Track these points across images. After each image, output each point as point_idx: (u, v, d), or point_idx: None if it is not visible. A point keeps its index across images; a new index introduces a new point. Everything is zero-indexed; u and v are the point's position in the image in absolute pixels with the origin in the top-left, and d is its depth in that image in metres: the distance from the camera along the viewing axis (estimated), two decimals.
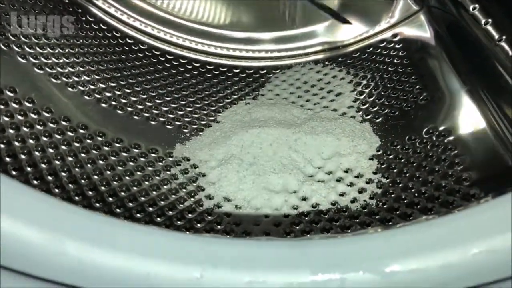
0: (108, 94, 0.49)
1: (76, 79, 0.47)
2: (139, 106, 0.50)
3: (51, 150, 0.39)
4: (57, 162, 0.39)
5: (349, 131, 0.47)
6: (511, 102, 0.39)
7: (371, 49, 0.59)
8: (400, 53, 0.56)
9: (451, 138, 0.43)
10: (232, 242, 0.23)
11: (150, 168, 0.44)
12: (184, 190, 0.43)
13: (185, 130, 0.50)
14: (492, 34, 0.43)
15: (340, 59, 0.60)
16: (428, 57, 0.54)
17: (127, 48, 0.56)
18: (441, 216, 0.25)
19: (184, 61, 0.59)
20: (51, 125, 0.42)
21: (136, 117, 0.49)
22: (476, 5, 0.46)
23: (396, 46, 0.57)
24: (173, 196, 0.42)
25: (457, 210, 0.34)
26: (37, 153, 0.38)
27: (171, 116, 0.51)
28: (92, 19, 0.56)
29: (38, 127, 0.40)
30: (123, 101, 0.49)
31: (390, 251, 0.23)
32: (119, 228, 0.23)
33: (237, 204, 0.42)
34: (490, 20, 0.44)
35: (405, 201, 0.40)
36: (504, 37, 0.42)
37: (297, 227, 0.40)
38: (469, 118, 0.44)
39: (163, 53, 0.59)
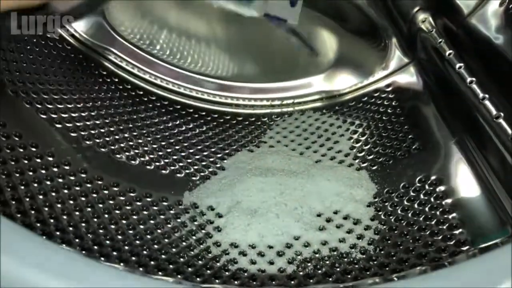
0: (121, 145, 0.52)
1: (92, 132, 0.51)
2: (151, 156, 0.53)
3: (71, 202, 0.42)
4: (76, 213, 0.42)
5: (347, 179, 0.50)
6: (496, 155, 0.43)
7: (366, 98, 0.63)
8: (393, 103, 0.60)
9: (442, 187, 0.46)
10: None
11: (161, 217, 0.47)
12: (193, 237, 0.46)
13: (193, 178, 0.53)
14: (477, 92, 0.47)
15: (337, 107, 0.64)
16: (420, 107, 0.58)
17: (137, 99, 0.60)
18: (432, 269, 0.28)
19: (191, 110, 0.63)
20: (70, 177, 0.45)
21: (147, 167, 0.52)
22: (462, 64, 0.50)
23: (390, 96, 0.61)
24: (183, 243, 0.45)
25: (447, 262, 0.37)
26: (58, 206, 0.41)
27: (180, 164, 0.54)
28: (104, 72, 0.60)
29: (59, 180, 0.43)
30: (136, 151, 0.52)
31: None
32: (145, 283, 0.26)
33: (243, 251, 0.45)
34: (474, 79, 0.48)
35: (401, 247, 0.43)
36: (487, 95, 0.45)
37: (301, 273, 0.42)
38: (458, 168, 0.47)
39: (170, 102, 0.63)
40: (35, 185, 0.42)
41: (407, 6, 0.59)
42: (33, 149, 0.44)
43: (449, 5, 0.55)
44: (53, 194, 0.42)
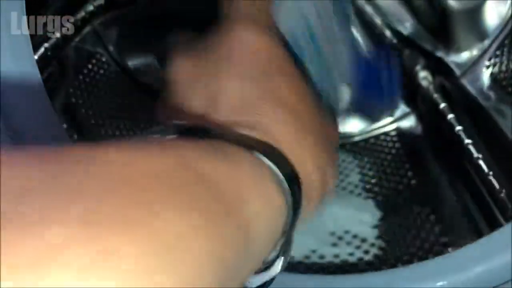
0: None
1: None
2: None
3: None
4: None
5: (357, 206, 0.61)
6: (476, 189, 0.53)
7: (374, 140, 0.74)
8: (396, 145, 0.71)
9: (434, 215, 0.56)
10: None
11: None
12: None
13: None
14: (462, 138, 0.57)
15: (348, 146, 0.75)
16: (419, 149, 0.68)
17: None
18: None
19: None
20: None
21: None
22: (452, 115, 0.61)
23: (394, 139, 0.72)
24: None
25: None
26: None
27: None
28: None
29: None
30: None
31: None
32: None
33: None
34: (461, 127, 0.59)
35: (401, 260, 0.53)
36: (471, 141, 0.56)
37: None
38: (448, 200, 0.57)
39: None
40: None
41: (409, 66, 0.70)
42: None
43: (445, 67, 0.67)
44: None
